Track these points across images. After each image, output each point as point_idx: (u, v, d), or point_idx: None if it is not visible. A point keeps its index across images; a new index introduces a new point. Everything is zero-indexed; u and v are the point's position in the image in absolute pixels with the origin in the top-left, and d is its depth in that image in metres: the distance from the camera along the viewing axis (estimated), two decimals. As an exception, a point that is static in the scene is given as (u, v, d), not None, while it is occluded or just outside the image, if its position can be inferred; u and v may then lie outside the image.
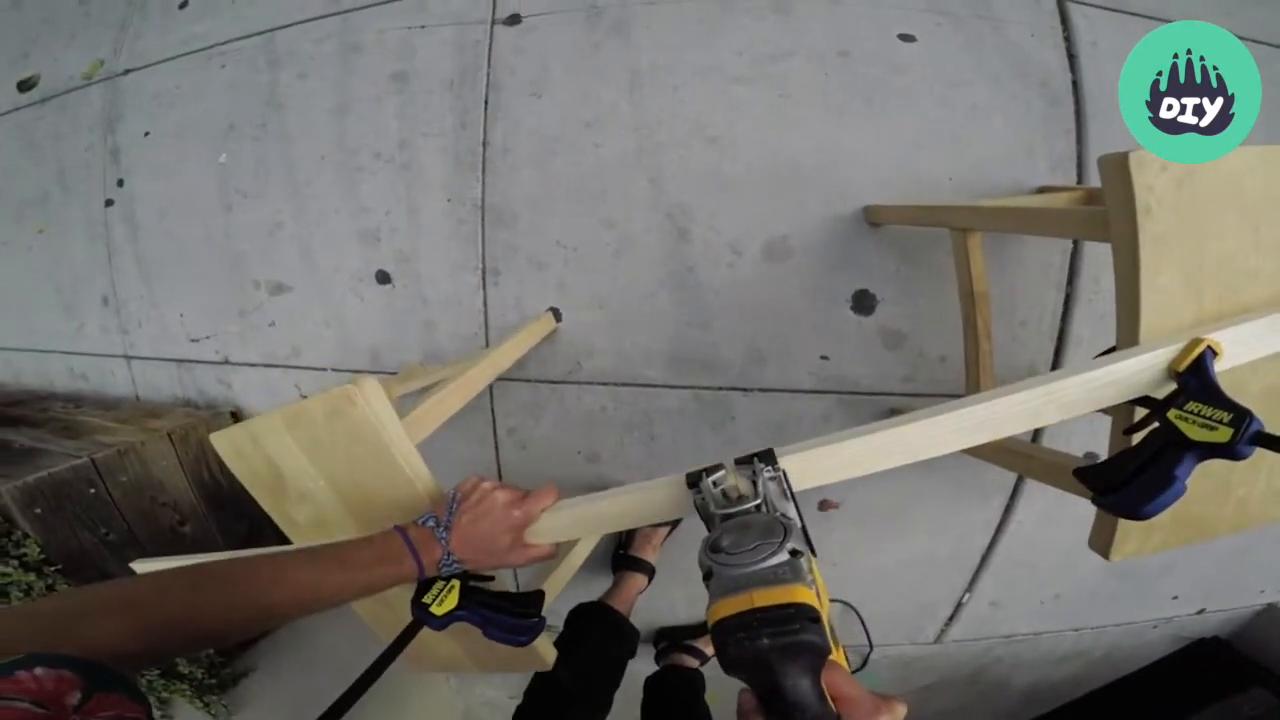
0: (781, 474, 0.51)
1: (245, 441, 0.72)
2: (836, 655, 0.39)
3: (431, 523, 0.63)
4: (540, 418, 1.37)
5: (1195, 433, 0.49)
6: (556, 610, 1.18)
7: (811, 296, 1.25)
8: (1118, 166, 0.62)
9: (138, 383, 1.68)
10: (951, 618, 1.49)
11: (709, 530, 0.49)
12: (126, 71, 1.61)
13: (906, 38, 1.26)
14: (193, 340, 1.56)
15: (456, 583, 0.62)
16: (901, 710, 0.38)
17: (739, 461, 0.54)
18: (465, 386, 0.93)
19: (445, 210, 1.34)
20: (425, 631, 0.61)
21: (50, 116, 1.73)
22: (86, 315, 1.74)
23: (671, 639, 1.47)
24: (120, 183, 1.60)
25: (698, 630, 1.47)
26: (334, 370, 1.44)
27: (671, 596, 1.47)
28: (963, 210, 1.06)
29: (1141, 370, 0.55)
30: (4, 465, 1.47)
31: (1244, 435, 0.47)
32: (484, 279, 1.33)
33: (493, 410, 1.38)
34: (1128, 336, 0.62)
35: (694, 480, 0.53)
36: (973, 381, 1.08)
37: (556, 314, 1.32)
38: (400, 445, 0.69)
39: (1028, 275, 1.23)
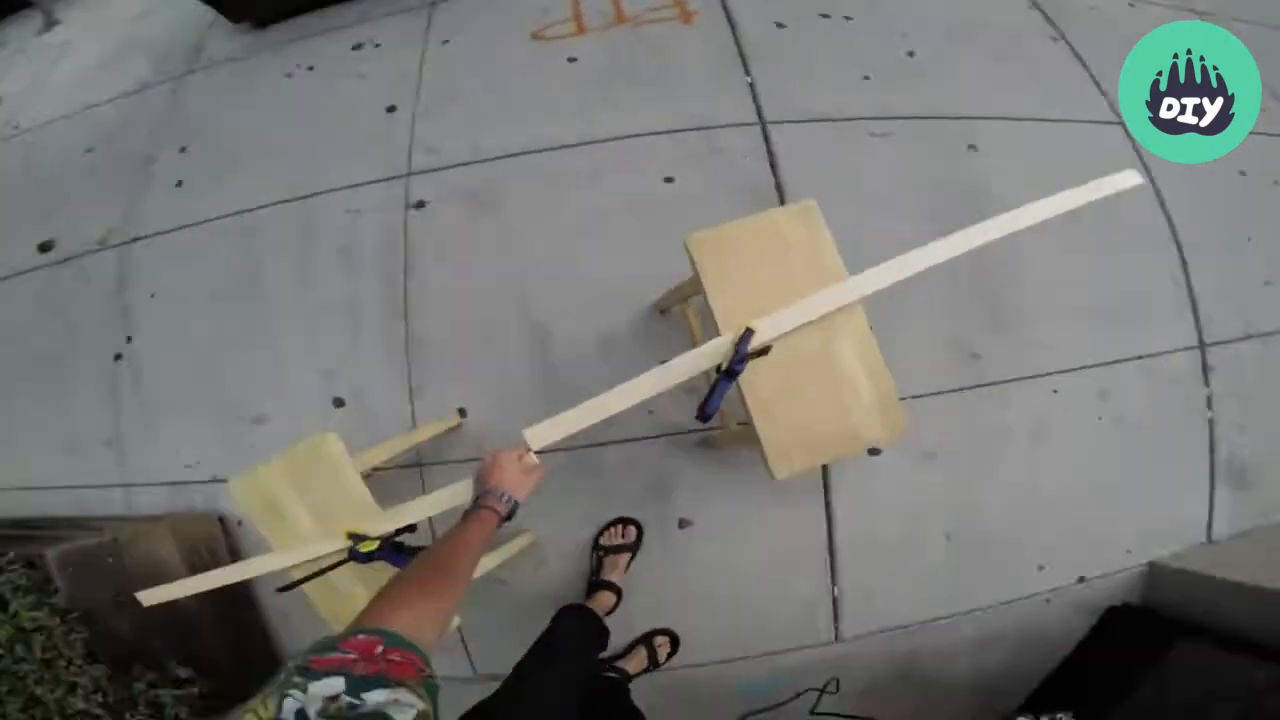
0: None
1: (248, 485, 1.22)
2: None
3: (495, 495, 0.97)
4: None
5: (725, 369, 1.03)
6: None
7: (636, 372, 1.74)
8: (687, 243, 1.15)
9: (134, 505, 2.00)
10: (836, 613, 1.73)
11: None
12: (135, 239, 2.06)
13: (668, 179, 1.85)
14: (186, 466, 1.94)
15: None
16: None
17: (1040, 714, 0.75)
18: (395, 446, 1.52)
19: (380, 346, 1.82)
20: None
21: (68, 276, 2.12)
22: (90, 455, 2.06)
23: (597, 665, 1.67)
24: (129, 339, 2.02)
25: (617, 657, 1.71)
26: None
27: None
28: (675, 291, 1.55)
29: (720, 347, 1.08)
30: (40, 544, 1.80)
31: (739, 355, 1.03)
32: (411, 396, 1.80)
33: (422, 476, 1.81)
34: (714, 333, 1.11)
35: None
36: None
37: (462, 411, 1.79)
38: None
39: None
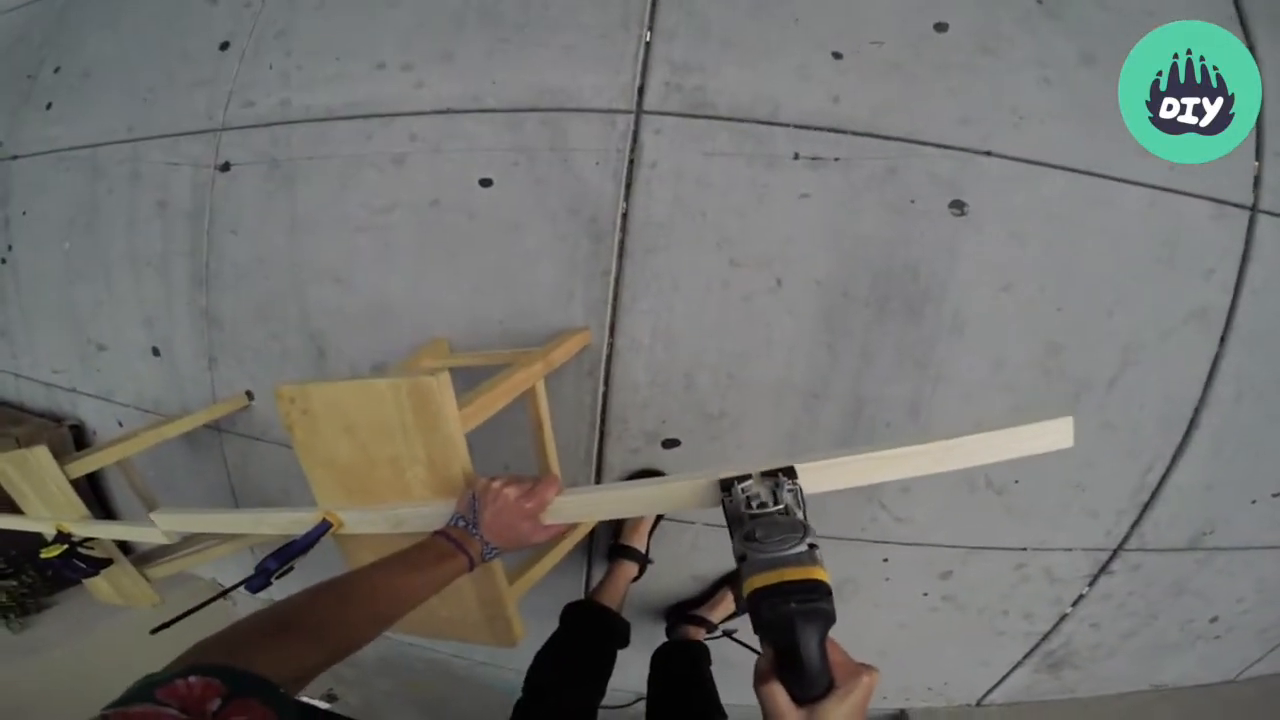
0: (799, 488, 0.61)
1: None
2: None
3: (462, 523, 0.77)
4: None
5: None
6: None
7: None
8: (276, 396, 0.95)
9: (23, 392, 2.29)
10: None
11: (731, 527, 0.59)
12: (15, 157, 2.13)
13: (485, 182, 1.46)
14: (55, 371, 2.16)
15: None
16: (875, 676, 0.47)
17: (764, 473, 0.63)
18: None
19: (186, 311, 1.83)
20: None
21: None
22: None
23: (678, 612, 1.55)
24: (10, 248, 2.17)
25: (700, 600, 1.56)
26: (135, 408, 2.01)
27: (680, 576, 1.63)
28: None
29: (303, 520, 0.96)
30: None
31: (306, 538, 0.88)
32: (210, 364, 1.83)
33: (224, 452, 1.91)
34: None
35: (726, 485, 0.63)
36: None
37: (250, 394, 1.80)
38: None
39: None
